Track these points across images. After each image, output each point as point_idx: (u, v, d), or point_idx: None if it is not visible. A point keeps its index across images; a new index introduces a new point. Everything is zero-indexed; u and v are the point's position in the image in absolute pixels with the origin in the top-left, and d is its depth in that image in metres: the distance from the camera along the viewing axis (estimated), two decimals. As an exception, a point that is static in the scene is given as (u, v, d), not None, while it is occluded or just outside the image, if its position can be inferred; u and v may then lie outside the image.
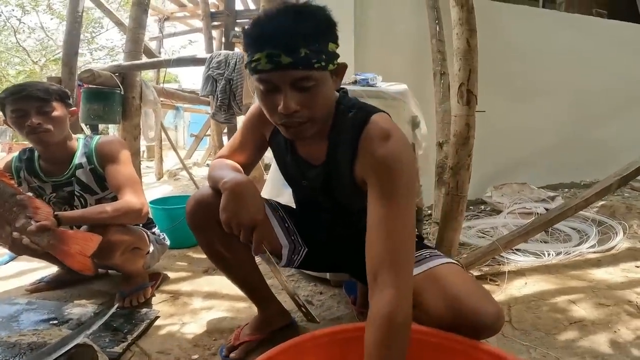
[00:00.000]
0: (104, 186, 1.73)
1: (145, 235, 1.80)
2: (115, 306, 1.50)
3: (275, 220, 1.28)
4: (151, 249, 1.83)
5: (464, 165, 1.64)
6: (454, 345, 0.93)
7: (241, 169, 1.19)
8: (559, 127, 3.70)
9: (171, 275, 2.07)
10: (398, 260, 0.86)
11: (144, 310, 1.63)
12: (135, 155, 2.96)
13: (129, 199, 1.59)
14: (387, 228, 0.88)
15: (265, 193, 1.87)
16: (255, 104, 1.23)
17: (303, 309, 1.20)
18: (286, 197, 1.46)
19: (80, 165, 1.70)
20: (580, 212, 2.64)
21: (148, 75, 7.34)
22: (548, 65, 3.57)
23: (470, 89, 1.61)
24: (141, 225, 1.89)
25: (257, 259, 1.22)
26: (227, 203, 1.01)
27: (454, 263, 1.12)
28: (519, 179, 3.29)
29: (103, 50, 15.14)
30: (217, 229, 1.10)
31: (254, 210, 1.02)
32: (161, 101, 6.26)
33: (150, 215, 2.24)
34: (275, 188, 1.87)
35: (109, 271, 2.09)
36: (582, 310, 1.55)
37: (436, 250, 1.19)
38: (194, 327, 1.52)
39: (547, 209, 2.64)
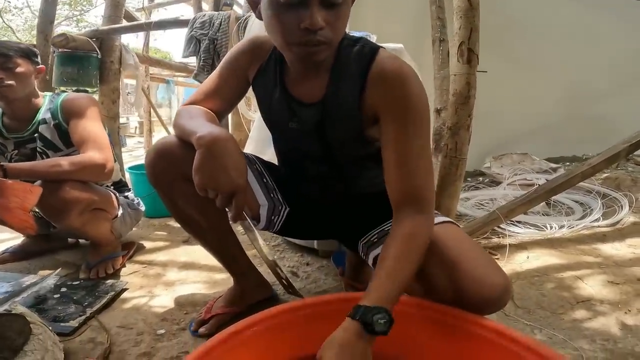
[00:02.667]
0: (69, 143, 1.57)
1: (113, 196, 1.63)
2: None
3: (252, 176, 1.10)
4: (119, 212, 1.67)
5: (464, 126, 1.50)
6: (453, 321, 0.79)
7: (216, 118, 1.01)
8: (561, 101, 3.53)
9: (147, 245, 1.91)
10: (423, 195, 0.85)
11: (110, 281, 1.47)
12: (114, 119, 2.82)
13: (90, 153, 1.44)
14: (408, 164, 0.85)
15: (247, 151, 1.69)
16: (237, 43, 1.07)
17: (284, 280, 1.05)
18: (269, 155, 1.28)
19: (43, 121, 1.57)
20: (584, 184, 2.51)
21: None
22: (551, 40, 3.38)
23: (471, 48, 1.47)
24: (111, 187, 1.74)
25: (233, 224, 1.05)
26: (203, 163, 0.83)
27: (453, 223, 0.98)
28: (520, 151, 3.12)
29: (92, 28, 14.76)
30: (183, 186, 0.98)
31: (235, 173, 0.83)
32: (150, 75, 6.09)
33: (129, 182, 2.09)
34: (258, 146, 1.70)
35: (80, 241, 1.93)
36: (590, 287, 1.41)
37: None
38: (164, 299, 1.37)
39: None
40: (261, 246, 0.96)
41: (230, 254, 1.19)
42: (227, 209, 0.88)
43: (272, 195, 1.13)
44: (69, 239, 1.94)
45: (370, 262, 1.04)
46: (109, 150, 1.52)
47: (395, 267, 0.77)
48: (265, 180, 1.13)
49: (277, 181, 1.15)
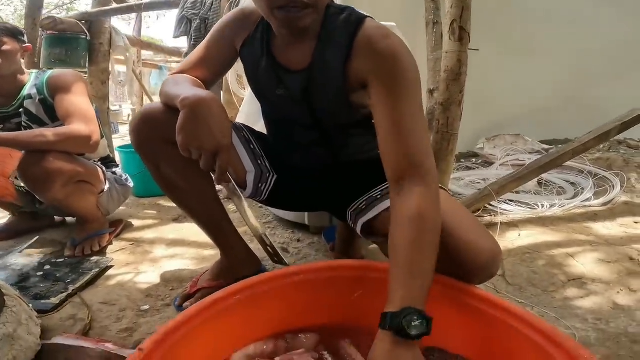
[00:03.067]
0: (55, 117, 1.53)
1: (99, 170, 1.59)
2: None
3: (239, 142, 1.08)
4: (106, 187, 1.63)
5: (455, 102, 1.49)
6: (442, 289, 0.75)
7: (203, 85, 1.00)
8: (556, 85, 3.48)
9: (136, 223, 1.86)
10: (421, 160, 0.76)
11: (95, 259, 1.42)
12: (103, 99, 2.79)
13: (76, 125, 1.40)
14: (402, 129, 0.78)
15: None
16: (225, 15, 1.06)
17: (269, 248, 1.01)
18: (259, 129, 1.24)
19: (29, 96, 1.53)
20: (576, 164, 2.49)
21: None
22: (547, 23, 3.30)
23: (462, 26, 1.46)
24: (99, 162, 1.69)
25: (221, 195, 1.01)
26: (186, 122, 0.82)
27: (443, 189, 0.93)
28: (513, 132, 3.08)
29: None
30: (167, 150, 0.95)
31: (219, 132, 0.82)
32: (143, 61, 5.95)
33: (119, 162, 2.03)
34: (249, 120, 1.65)
35: (67, 219, 1.88)
36: (581, 265, 1.37)
37: None
38: (150, 276, 1.33)
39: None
40: (245, 210, 0.92)
41: (217, 225, 1.14)
42: (212, 174, 0.86)
43: (259, 162, 1.09)
44: (56, 218, 1.88)
45: (358, 229, 1.01)
46: (95, 124, 1.48)
47: (412, 258, 0.68)
48: (252, 147, 1.10)
49: (265, 149, 1.12)
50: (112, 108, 3.59)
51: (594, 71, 3.62)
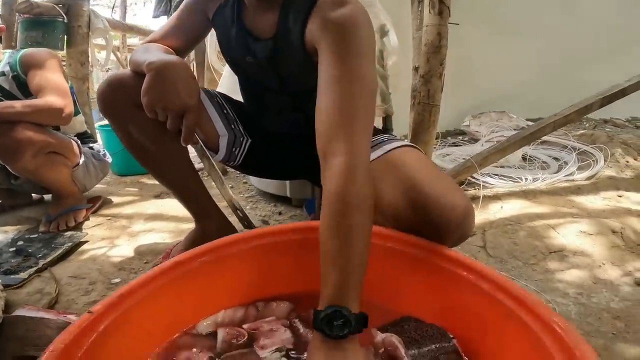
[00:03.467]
0: (28, 93, 1.47)
1: (74, 143, 1.53)
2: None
3: (211, 107, 1.05)
4: (81, 160, 1.57)
5: (436, 74, 1.50)
6: (412, 250, 0.71)
7: (174, 53, 0.97)
8: (542, 66, 3.44)
9: (116, 200, 1.80)
10: (352, 126, 0.66)
11: (69, 233, 1.37)
12: (82, 80, 2.73)
13: (48, 97, 1.36)
14: (339, 91, 0.69)
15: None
16: None
17: (239, 212, 0.98)
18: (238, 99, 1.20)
19: (2, 74, 1.48)
20: (559, 139, 2.46)
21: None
22: (534, 5, 3.25)
23: (442, 0, 1.46)
24: (74, 137, 1.62)
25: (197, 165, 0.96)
26: (152, 84, 0.82)
27: (415, 147, 0.90)
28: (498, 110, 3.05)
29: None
30: (135, 113, 0.92)
31: (186, 92, 0.83)
32: (128, 47, 5.76)
33: (100, 140, 1.96)
34: (228, 93, 1.61)
35: (44, 197, 1.82)
36: (562, 237, 1.34)
37: (396, 136, 0.98)
38: (125, 249, 1.28)
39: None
40: (216, 172, 0.88)
41: (190, 191, 1.09)
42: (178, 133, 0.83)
43: (232, 126, 1.07)
44: (34, 195, 1.82)
45: None
46: (69, 97, 1.44)
47: (335, 248, 0.60)
48: (225, 111, 1.07)
49: (239, 114, 1.10)
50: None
51: (579, 53, 3.59)
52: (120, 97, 0.94)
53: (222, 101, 1.09)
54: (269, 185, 1.62)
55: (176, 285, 0.67)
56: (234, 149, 1.07)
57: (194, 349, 0.68)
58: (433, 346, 0.62)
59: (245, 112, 1.11)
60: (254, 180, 1.75)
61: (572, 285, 1.09)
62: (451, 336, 0.64)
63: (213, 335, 0.71)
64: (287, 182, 1.52)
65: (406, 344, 0.62)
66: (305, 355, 0.61)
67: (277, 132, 1.09)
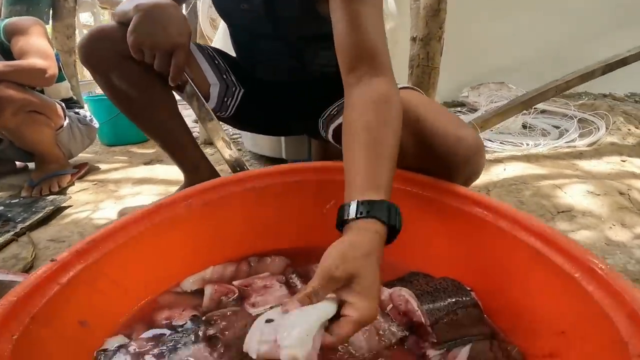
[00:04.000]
0: (12, 60, 1.36)
1: (57, 106, 1.43)
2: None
3: (202, 57, 0.96)
4: (65, 122, 1.47)
5: (435, 37, 1.46)
6: (419, 190, 0.64)
7: None
8: (544, 41, 3.33)
9: (104, 167, 1.69)
10: (378, 53, 0.62)
11: (52, 197, 1.27)
12: (69, 53, 2.63)
13: (31, 59, 1.29)
14: (359, 24, 0.63)
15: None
16: None
17: (232, 153, 0.90)
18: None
19: None
20: (560, 109, 2.38)
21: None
22: None
23: None
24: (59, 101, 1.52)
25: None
26: (139, 23, 0.76)
27: (417, 90, 0.83)
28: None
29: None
30: (118, 61, 0.85)
31: (175, 31, 0.77)
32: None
33: (88, 110, 1.84)
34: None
35: (28, 165, 1.71)
36: (570, 197, 1.26)
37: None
38: (110, 212, 1.18)
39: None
40: (208, 112, 0.78)
41: (177, 141, 1.00)
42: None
43: (224, 76, 0.98)
44: (17, 163, 1.71)
45: (330, 136, 0.92)
46: (53, 60, 1.35)
47: (378, 138, 0.54)
48: (216, 62, 0.99)
49: (231, 65, 1.01)
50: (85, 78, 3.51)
51: (582, 29, 3.49)
52: (102, 46, 0.86)
53: (213, 53, 1.00)
54: (263, 147, 1.52)
55: (158, 234, 0.59)
56: (225, 99, 0.98)
57: (176, 308, 0.59)
58: (449, 300, 0.53)
59: (237, 63, 1.03)
60: (247, 143, 1.65)
61: (585, 246, 1.00)
62: (468, 288, 0.55)
63: (199, 293, 0.62)
64: (283, 143, 1.42)
65: (418, 298, 0.54)
66: None
67: (271, 81, 1.01)
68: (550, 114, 2.40)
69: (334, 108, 0.92)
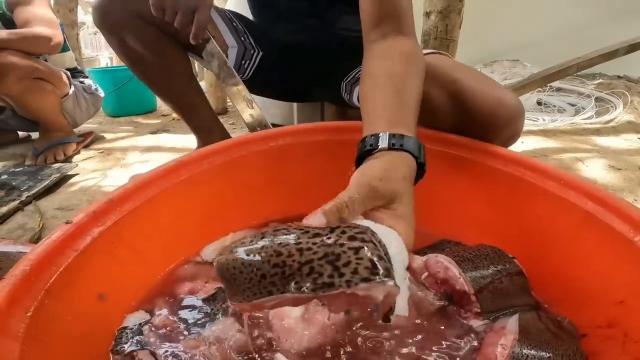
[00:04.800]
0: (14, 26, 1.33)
1: (62, 74, 1.38)
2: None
3: (219, 19, 0.92)
4: (71, 90, 1.42)
5: (455, 10, 1.42)
6: (453, 150, 0.59)
7: None
8: (561, 22, 3.24)
9: (110, 136, 1.64)
10: (404, 14, 0.58)
11: (58, 165, 1.22)
12: (71, 26, 2.63)
13: (36, 28, 1.25)
14: None
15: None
16: None
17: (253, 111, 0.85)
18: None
19: None
20: (577, 87, 2.32)
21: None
22: None
23: None
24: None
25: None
26: None
27: (447, 55, 0.77)
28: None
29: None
30: (134, 23, 0.83)
31: None
32: None
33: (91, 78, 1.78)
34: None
35: (31, 135, 1.66)
36: (592, 170, 1.22)
37: None
38: (119, 179, 1.13)
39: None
40: (225, 65, 0.74)
41: (191, 104, 0.98)
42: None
43: (242, 38, 0.94)
44: (20, 133, 1.67)
45: (355, 98, 0.88)
46: (58, 28, 1.31)
47: (404, 84, 0.50)
48: (234, 24, 0.94)
49: (249, 28, 0.96)
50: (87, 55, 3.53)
51: (597, 10, 3.39)
52: (118, 7, 0.83)
53: (230, 15, 0.96)
54: (275, 116, 1.47)
55: (176, 195, 0.54)
56: (243, 62, 0.94)
57: (198, 280, 0.55)
58: (492, 267, 0.49)
59: (254, 25, 0.98)
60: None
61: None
62: (510, 256, 0.51)
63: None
64: (295, 110, 1.37)
65: (458, 264, 0.50)
66: None
67: (291, 43, 0.96)
68: (566, 92, 2.34)
69: (359, 71, 0.86)
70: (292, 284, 0.29)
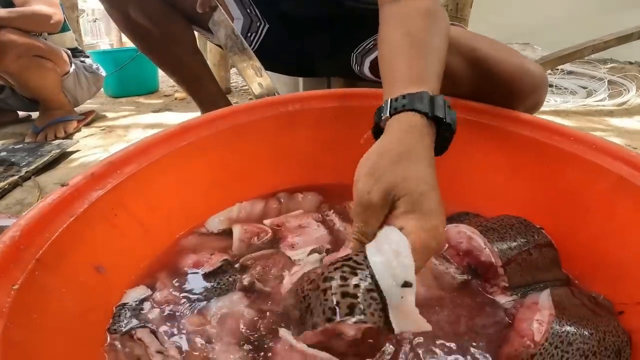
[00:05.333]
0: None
1: (63, 52, 1.35)
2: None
3: None
4: (71, 69, 1.39)
5: None
6: (476, 116, 0.56)
7: None
8: (572, 6, 3.17)
9: (111, 115, 1.61)
10: None
11: (58, 141, 1.19)
12: (72, 8, 2.51)
13: (35, 6, 1.22)
14: None
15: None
16: None
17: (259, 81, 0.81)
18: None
19: None
20: (589, 71, 2.27)
21: None
22: None
23: None
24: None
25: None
26: None
27: (462, 27, 0.74)
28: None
29: None
30: None
31: None
32: None
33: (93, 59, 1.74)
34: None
35: (32, 114, 1.63)
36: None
37: None
38: (120, 156, 1.10)
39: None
40: (233, 34, 0.70)
41: (196, 76, 0.95)
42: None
43: (248, 10, 0.88)
44: (20, 113, 1.63)
45: (366, 68, 0.84)
46: (58, 7, 1.29)
47: (421, 40, 0.46)
48: None
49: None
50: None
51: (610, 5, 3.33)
52: None
53: None
54: (280, 92, 1.42)
55: (181, 160, 0.51)
56: (249, 34, 0.89)
57: (203, 252, 0.52)
58: (520, 238, 0.45)
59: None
60: (262, 93, 1.55)
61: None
62: (538, 226, 0.48)
63: (226, 234, 0.55)
64: (301, 87, 1.32)
65: (483, 235, 0.46)
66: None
67: (298, 15, 0.90)
68: (577, 75, 2.29)
69: (370, 42, 0.82)
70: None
